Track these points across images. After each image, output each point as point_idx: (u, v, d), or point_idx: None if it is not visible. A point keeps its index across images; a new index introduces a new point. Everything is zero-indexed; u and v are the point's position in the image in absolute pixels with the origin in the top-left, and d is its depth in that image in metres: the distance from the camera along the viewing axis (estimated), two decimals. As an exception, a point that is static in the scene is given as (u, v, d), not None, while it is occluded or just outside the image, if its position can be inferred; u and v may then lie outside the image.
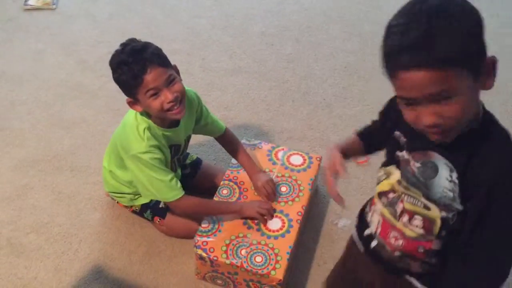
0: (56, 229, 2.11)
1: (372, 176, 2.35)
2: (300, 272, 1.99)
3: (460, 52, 0.86)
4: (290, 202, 1.96)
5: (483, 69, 0.91)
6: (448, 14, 0.87)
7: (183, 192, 1.81)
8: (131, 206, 2.07)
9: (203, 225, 1.88)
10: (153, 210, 2.03)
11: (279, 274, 1.74)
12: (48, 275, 1.96)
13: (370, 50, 3.14)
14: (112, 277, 1.96)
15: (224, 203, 1.94)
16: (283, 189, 2.01)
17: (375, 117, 1.33)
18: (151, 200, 2.02)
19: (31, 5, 3.39)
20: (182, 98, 1.71)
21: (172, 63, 1.72)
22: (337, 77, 2.94)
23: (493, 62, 0.92)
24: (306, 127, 2.60)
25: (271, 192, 1.94)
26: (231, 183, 2.03)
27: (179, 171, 2.11)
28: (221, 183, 2.03)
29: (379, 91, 2.92)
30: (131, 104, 1.72)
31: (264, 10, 3.46)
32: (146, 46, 1.65)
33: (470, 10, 0.90)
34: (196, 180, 2.17)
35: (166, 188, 1.78)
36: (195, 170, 2.19)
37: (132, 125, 1.74)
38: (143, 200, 2.03)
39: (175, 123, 1.82)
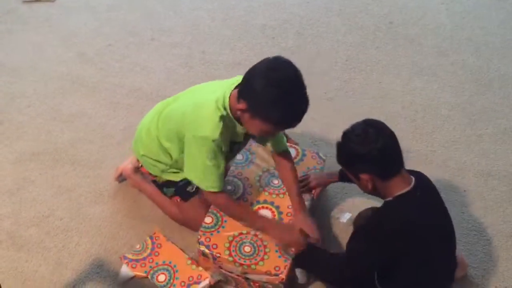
0: (57, 223, 2.10)
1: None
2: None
3: None
4: (281, 195, 1.96)
5: None
6: None
7: (221, 188, 1.78)
8: (155, 175, 2.02)
9: (206, 220, 1.86)
10: (178, 190, 1.98)
11: (282, 273, 1.73)
12: (49, 268, 1.95)
13: (371, 43, 3.12)
14: (113, 271, 1.95)
15: (263, 219, 1.84)
16: (275, 182, 2.01)
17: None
18: (181, 180, 1.97)
19: (30, -3, 3.37)
20: None
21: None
22: (338, 70, 2.92)
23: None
24: (308, 120, 2.54)
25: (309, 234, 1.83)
26: (235, 179, 2.02)
27: None
28: (225, 179, 2.01)
29: (380, 84, 2.93)
30: (240, 106, 1.64)
31: (265, 3, 3.44)
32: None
33: None
34: None
35: (215, 176, 1.75)
36: None
37: (210, 109, 1.71)
38: (173, 177, 1.98)
39: None
